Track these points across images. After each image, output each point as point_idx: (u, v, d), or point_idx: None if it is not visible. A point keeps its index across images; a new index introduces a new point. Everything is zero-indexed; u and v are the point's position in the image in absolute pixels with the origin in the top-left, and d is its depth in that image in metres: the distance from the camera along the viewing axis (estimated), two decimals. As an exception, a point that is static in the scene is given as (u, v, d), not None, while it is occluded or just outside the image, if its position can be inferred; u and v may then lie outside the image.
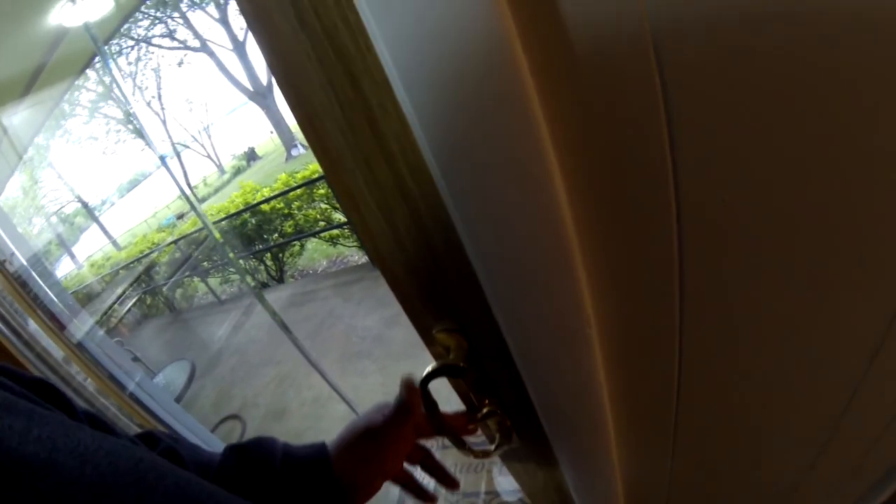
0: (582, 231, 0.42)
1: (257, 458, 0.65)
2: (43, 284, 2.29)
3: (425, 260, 0.55)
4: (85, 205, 18.30)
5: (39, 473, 0.32)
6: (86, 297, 7.67)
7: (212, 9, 18.19)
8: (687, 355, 0.50)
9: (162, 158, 4.05)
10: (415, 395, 0.70)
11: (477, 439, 0.78)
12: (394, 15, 0.35)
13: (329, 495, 0.64)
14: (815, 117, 0.29)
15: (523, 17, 0.32)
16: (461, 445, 0.74)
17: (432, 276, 0.57)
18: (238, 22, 18.80)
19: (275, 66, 0.45)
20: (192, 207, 4.08)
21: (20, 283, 1.91)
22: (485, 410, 0.72)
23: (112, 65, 16.54)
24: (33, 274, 2.23)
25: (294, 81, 0.45)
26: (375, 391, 3.60)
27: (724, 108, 0.31)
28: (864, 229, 0.34)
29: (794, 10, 0.25)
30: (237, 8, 0.43)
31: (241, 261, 6.99)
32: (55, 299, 2.35)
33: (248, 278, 6.43)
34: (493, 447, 0.75)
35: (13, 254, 2.17)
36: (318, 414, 3.69)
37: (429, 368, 0.65)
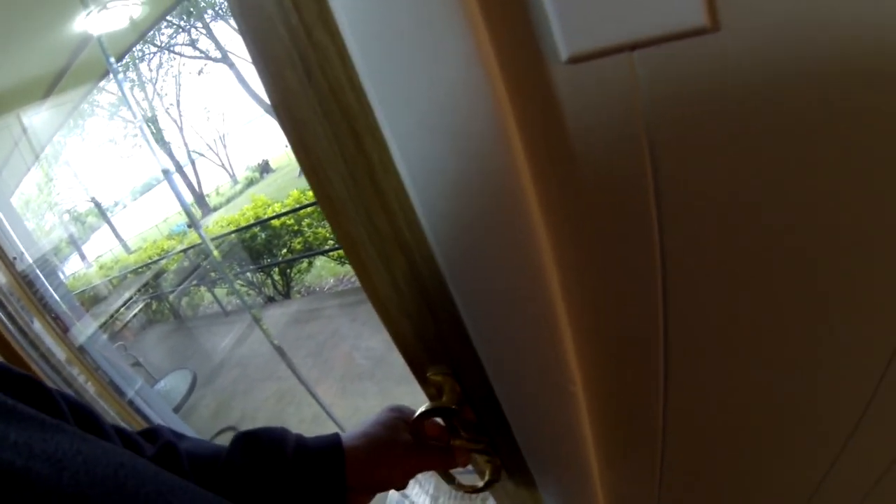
0: (568, 294, 0.44)
1: (269, 448, 0.63)
2: (48, 286, 2.32)
3: (420, 307, 0.57)
4: (98, 205, 18.37)
5: (15, 482, 0.30)
6: (93, 299, 7.72)
7: (234, 21, 18.35)
8: (671, 413, 0.52)
9: (166, 173, 4.09)
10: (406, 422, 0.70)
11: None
12: (396, 102, 0.37)
13: (336, 491, 0.63)
14: (786, 195, 0.32)
15: (521, 111, 0.35)
16: (450, 480, 0.75)
17: (427, 322, 0.58)
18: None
19: (283, 115, 0.47)
20: (194, 225, 4.12)
21: (27, 283, 1.94)
22: (477, 447, 0.72)
23: (124, 77, 16.76)
24: (40, 275, 2.26)
25: (300, 131, 0.47)
26: (374, 411, 3.62)
27: (711, 204, 0.34)
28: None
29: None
30: (251, 60, 0.44)
31: (248, 274, 7.03)
32: (59, 301, 2.38)
33: (251, 293, 6.46)
34: (482, 483, 0.75)
35: (22, 253, 2.20)
36: (317, 432, 3.68)
37: (422, 409, 0.66)
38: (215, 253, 4.71)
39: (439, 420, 0.74)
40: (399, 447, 0.68)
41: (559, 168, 0.37)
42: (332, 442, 0.67)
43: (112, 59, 3.70)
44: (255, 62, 0.45)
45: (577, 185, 0.37)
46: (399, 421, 0.72)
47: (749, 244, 0.36)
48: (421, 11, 0.32)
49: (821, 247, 0.34)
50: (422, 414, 0.66)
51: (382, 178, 0.46)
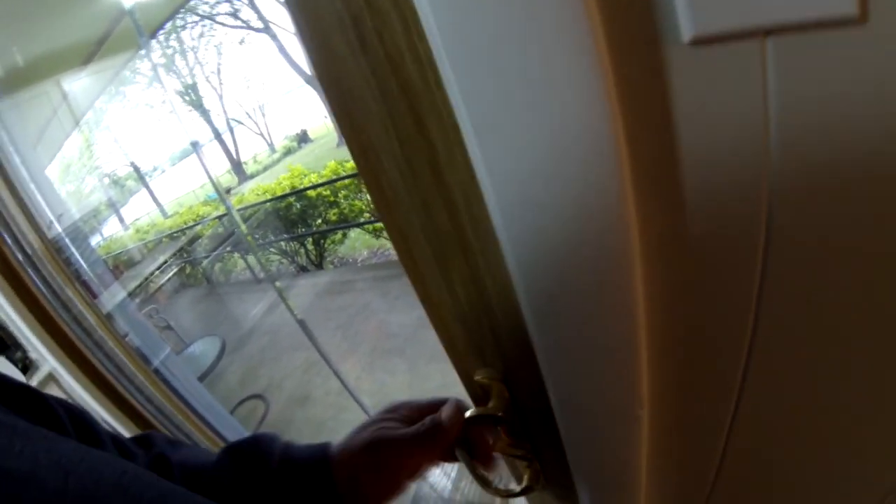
0: (654, 336, 0.41)
1: (253, 458, 0.61)
2: (77, 253, 2.32)
3: (477, 313, 0.52)
4: (137, 169, 18.66)
5: (22, 487, 0.32)
6: (128, 262, 7.82)
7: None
8: (732, 450, 0.51)
9: (195, 145, 4.07)
10: (457, 425, 0.65)
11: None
12: (485, 98, 0.31)
13: (326, 501, 0.60)
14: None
15: (639, 173, 0.32)
16: (486, 484, 0.69)
17: (482, 328, 0.54)
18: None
19: (329, 87, 0.42)
20: (220, 196, 4.09)
21: (56, 250, 1.93)
22: (517, 453, 0.68)
23: (166, 44, 16.94)
24: (69, 243, 2.27)
25: (349, 106, 0.42)
26: (401, 391, 3.56)
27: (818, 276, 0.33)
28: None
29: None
30: (294, 24, 0.39)
31: (282, 243, 7.05)
32: (87, 269, 2.38)
33: (283, 262, 6.46)
34: (518, 489, 0.71)
35: (52, 222, 2.21)
36: (342, 405, 3.67)
37: (470, 413, 0.64)
38: (242, 227, 4.70)
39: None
40: (394, 448, 0.63)
41: (665, 193, 0.34)
42: (320, 451, 0.64)
43: (144, 33, 3.68)
44: (296, 23, 0.39)
45: (683, 212, 0.34)
46: (393, 421, 0.67)
47: (855, 303, 0.35)
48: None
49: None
50: (471, 419, 0.63)
51: (446, 168, 0.41)
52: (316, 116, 22.91)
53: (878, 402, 0.43)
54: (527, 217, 0.36)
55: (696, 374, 0.46)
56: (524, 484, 0.70)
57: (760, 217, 0.32)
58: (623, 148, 0.31)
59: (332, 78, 0.41)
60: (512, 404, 0.61)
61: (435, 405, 0.68)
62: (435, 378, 3.57)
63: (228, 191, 16.05)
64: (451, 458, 0.68)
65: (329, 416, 3.62)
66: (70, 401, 0.53)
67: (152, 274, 6.67)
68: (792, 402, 0.44)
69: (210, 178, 3.93)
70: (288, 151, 21.88)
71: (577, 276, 0.37)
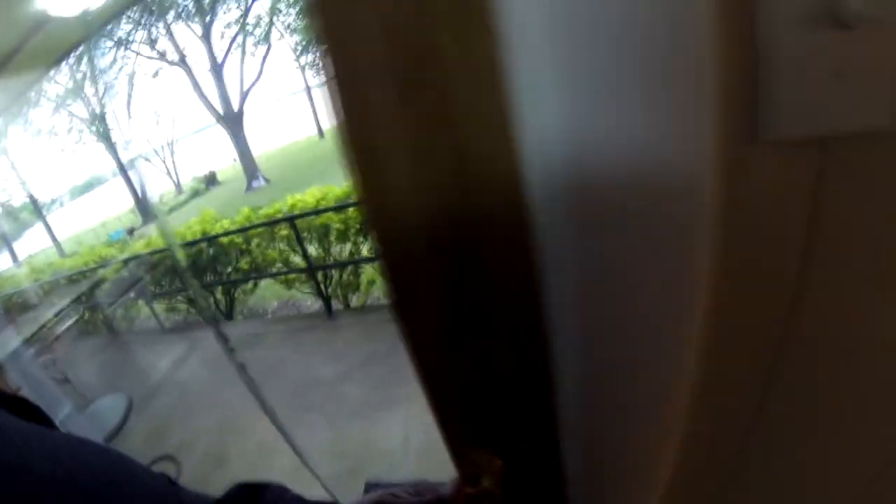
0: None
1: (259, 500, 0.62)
2: None
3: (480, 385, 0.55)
4: (34, 200, 17.66)
5: (13, 477, 0.34)
6: (21, 305, 7.36)
7: (196, 25, 18.17)
8: None
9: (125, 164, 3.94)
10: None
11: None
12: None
13: None
14: None
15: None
16: None
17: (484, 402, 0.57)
18: (219, 43, 18.82)
19: None
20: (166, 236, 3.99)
21: None
22: None
23: (76, 69, 16.29)
24: None
25: None
26: (323, 448, 3.52)
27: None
28: None
29: None
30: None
31: (190, 291, 6.84)
32: None
33: (191, 312, 6.28)
34: None
35: None
36: (262, 465, 3.58)
37: (468, 492, 0.64)
38: (180, 255, 4.55)
39: None
40: None
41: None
42: None
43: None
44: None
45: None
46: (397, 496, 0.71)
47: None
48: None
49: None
50: (471, 499, 0.64)
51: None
52: (224, 158, 22.44)
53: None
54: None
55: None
56: None
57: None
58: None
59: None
60: (504, 477, 0.62)
61: (434, 486, 0.72)
62: (356, 437, 3.56)
63: (132, 231, 15.39)
64: None
65: (248, 477, 3.52)
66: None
67: (49, 321, 6.29)
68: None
69: (143, 196, 3.81)
70: (196, 193, 21.26)
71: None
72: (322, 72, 0.44)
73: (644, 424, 0.50)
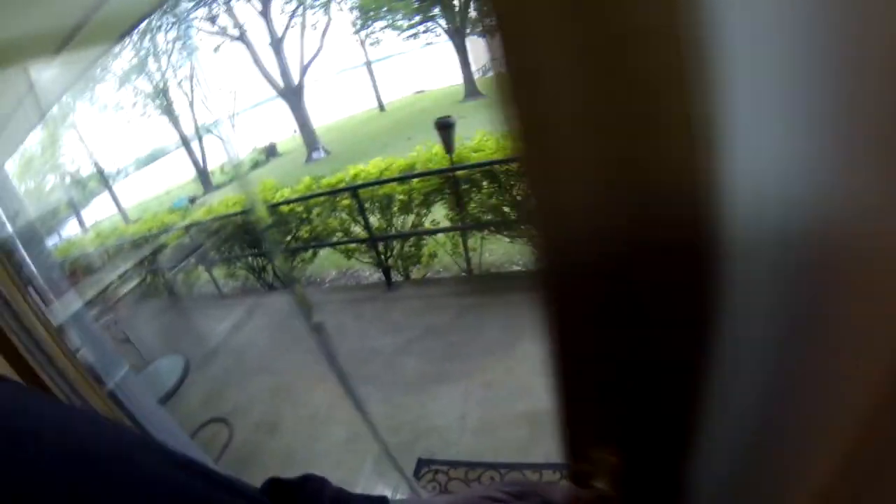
0: None
1: (300, 497, 0.59)
2: (28, 258, 2.16)
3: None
4: (101, 171, 18.24)
5: (24, 444, 0.34)
6: (86, 268, 7.54)
7: (256, 1, 18.46)
8: None
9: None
10: None
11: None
12: None
13: None
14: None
15: None
16: None
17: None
18: (279, 19, 19.07)
19: None
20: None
21: (4, 253, 1.74)
22: None
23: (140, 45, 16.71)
24: (19, 245, 2.11)
25: None
26: (377, 421, 3.42)
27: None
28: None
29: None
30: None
31: (249, 258, 6.89)
32: (37, 275, 2.20)
33: (250, 278, 6.29)
34: None
35: (3, 224, 2.07)
36: (313, 434, 3.52)
37: (581, 494, 0.61)
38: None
39: None
40: None
41: None
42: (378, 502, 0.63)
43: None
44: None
45: None
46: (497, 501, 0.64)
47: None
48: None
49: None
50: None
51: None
52: (285, 130, 22.82)
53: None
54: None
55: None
56: None
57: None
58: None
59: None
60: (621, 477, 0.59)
61: (536, 487, 0.66)
62: (412, 411, 3.46)
63: (193, 200, 15.80)
64: None
65: (300, 445, 3.46)
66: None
67: (112, 283, 6.42)
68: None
69: (204, 167, 3.80)
70: (255, 164, 21.73)
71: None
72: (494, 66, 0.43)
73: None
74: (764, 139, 0.39)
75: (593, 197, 0.47)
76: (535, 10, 0.38)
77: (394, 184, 5.53)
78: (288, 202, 6.45)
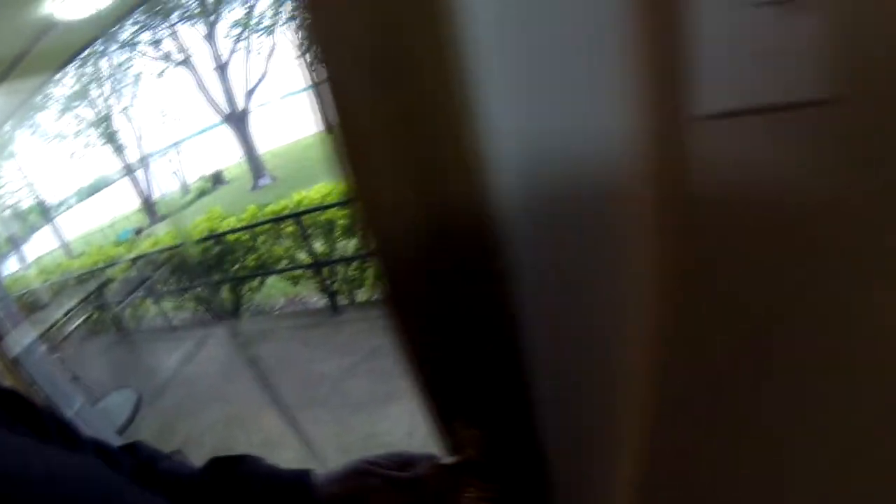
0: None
1: (238, 472, 0.66)
2: None
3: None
4: (42, 203, 17.75)
5: (14, 486, 0.34)
6: (31, 305, 7.40)
7: (200, 26, 18.19)
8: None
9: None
10: (436, 478, 0.68)
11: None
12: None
13: None
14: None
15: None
16: None
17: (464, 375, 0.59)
18: (224, 43, 18.85)
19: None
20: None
21: None
22: (488, 496, 0.70)
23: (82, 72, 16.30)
24: None
25: None
26: (329, 441, 3.55)
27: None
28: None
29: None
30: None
31: (197, 289, 6.87)
32: None
33: (198, 310, 6.30)
34: None
35: None
36: (268, 458, 3.60)
37: (448, 461, 0.68)
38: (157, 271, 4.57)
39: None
40: (377, 481, 0.67)
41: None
42: (304, 473, 0.68)
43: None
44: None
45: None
46: (373, 470, 0.70)
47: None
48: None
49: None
50: (448, 469, 0.67)
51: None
52: (231, 156, 22.43)
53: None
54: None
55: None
56: None
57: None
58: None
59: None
60: (485, 447, 0.65)
61: (414, 458, 0.71)
62: (362, 428, 3.58)
63: (140, 231, 15.45)
64: None
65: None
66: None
67: (58, 321, 6.34)
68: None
69: (149, 196, 3.84)
70: (202, 192, 21.28)
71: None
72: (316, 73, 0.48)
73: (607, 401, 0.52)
74: (520, 110, 0.43)
75: (401, 196, 0.52)
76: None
77: (336, 208, 5.58)
78: (234, 231, 6.49)
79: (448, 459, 0.68)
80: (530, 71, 0.40)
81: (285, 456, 3.49)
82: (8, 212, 15.96)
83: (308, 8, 0.46)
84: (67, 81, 16.69)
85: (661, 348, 0.44)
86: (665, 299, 0.42)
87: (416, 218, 0.53)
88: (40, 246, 16.56)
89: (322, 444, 3.50)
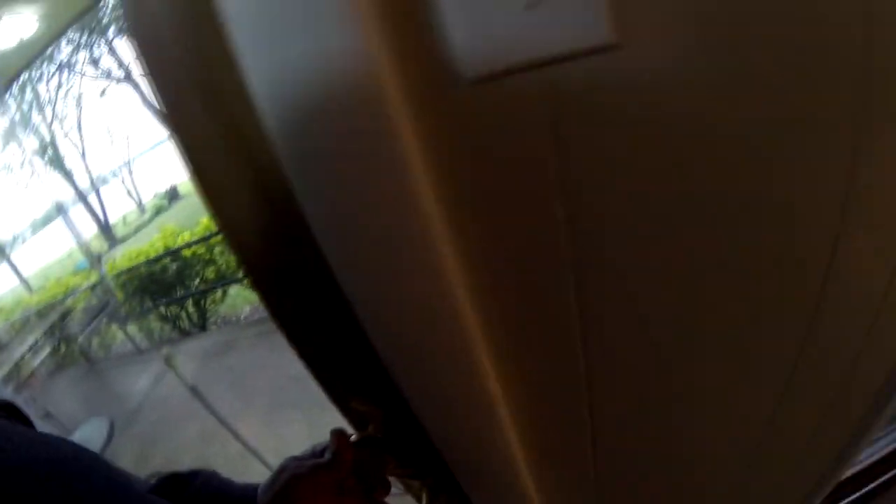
0: (483, 314, 0.44)
1: (188, 488, 0.66)
2: None
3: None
4: (-7, 242, 17.25)
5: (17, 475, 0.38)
6: (-8, 347, 7.26)
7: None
8: (597, 415, 0.52)
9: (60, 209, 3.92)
10: (347, 449, 0.70)
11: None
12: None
13: None
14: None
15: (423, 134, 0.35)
16: None
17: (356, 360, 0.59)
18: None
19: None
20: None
21: None
22: (407, 472, 0.74)
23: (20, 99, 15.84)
24: None
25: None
26: (303, 442, 3.57)
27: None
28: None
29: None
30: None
31: (161, 308, 6.81)
32: None
33: (165, 328, 6.26)
34: None
35: None
36: (244, 467, 3.62)
37: (354, 437, 0.70)
38: (119, 295, 4.53)
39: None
40: (304, 481, 0.67)
41: (465, 186, 0.38)
42: (249, 488, 0.70)
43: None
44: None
45: (486, 207, 0.39)
46: (297, 463, 0.72)
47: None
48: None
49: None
50: (356, 444, 0.69)
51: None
52: (183, 171, 22.05)
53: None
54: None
55: (539, 354, 0.47)
56: (425, 502, 0.75)
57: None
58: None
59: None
60: (388, 423, 0.67)
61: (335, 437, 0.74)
62: (333, 424, 3.61)
63: (100, 258, 15.10)
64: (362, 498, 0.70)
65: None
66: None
67: (22, 358, 6.22)
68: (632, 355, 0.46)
69: (105, 221, 3.82)
70: (158, 210, 20.92)
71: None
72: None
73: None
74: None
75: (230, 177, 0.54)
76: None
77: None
78: (189, 245, 6.45)
79: (354, 435, 0.70)
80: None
81: (259, 466, 3.52)
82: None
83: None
84: (6, 110, 16.21)
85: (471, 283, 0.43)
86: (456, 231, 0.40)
87: (248, 195, 0.55)
88: (-1, 286, 16.12)
89: (296, 444, 3.51)
